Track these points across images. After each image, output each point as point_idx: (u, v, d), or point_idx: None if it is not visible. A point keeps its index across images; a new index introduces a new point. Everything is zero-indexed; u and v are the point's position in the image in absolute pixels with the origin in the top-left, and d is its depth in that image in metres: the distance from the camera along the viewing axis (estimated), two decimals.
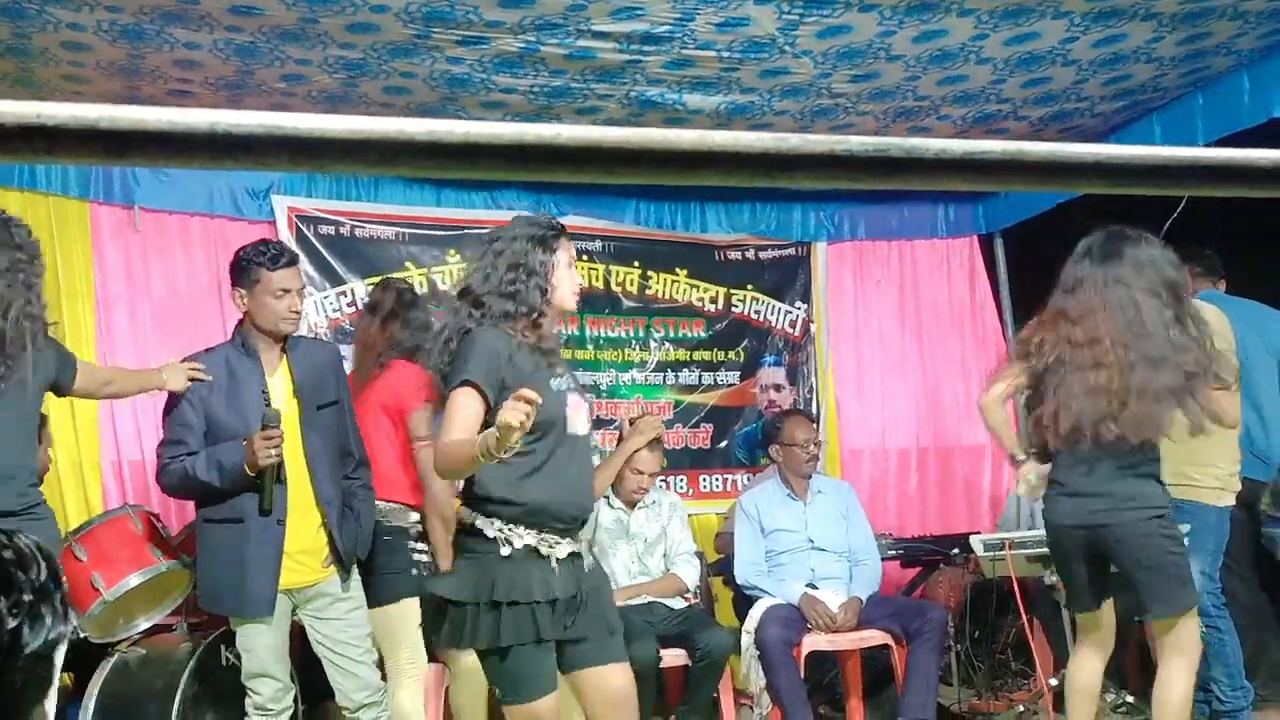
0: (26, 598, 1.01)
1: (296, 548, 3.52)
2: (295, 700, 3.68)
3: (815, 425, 5.80)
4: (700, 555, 5.21)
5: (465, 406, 2.90)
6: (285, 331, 3.57)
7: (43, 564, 1.05)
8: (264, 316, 3.55)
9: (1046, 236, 5.99)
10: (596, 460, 3.18)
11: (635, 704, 3.11)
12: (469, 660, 4.24)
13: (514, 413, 2.59)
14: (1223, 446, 4.37)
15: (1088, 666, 3.81)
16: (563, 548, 2.96)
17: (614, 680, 3.06)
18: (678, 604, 4.82)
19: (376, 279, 5.65)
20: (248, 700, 3.56)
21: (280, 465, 3.44)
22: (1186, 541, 3.95)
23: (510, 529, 2.91)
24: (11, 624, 0.99)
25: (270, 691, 3.52)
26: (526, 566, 2.90)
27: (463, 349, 2.96)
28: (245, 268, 3.55)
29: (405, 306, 4.19)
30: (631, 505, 4.85)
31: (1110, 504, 3.56)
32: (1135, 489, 3.55)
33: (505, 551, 2.89)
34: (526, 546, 2.90)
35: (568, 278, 3.08)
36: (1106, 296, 3.56)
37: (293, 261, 3.58)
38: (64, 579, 1.08)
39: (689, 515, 5.17)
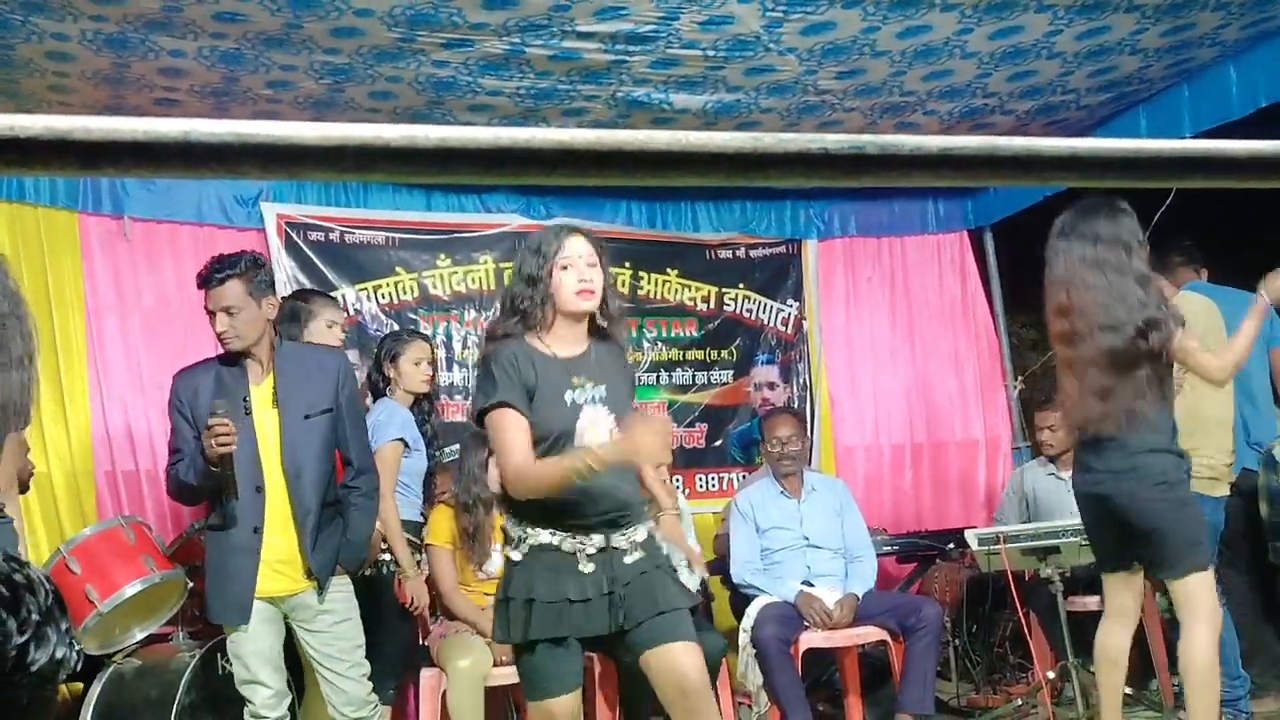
0: (34, 618, 1.04)
1: (276, 556, 3.50)
2: (292, 707, 3.66)
3: (805, 422, 5.80)
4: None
5: (511, 427, 2.92)
6: (227, 349, 3.52)
7: (48, 591, 1.08)
8: None
9: (1036, 230, 5.97)
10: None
11: (704, 684, 2.94)
12: (464, 664, 4.25)
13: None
14: (1216, 436, 4.39)
15: (1113, 636, 3.82)
16: (593, 543, 2.92)
17: (673, 658, 2.91)
18: None
19: (368, 284, 5.67)
20: (246, 709, 3.55)
21: (231, 458, 3.39)
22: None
23: (531, 530, 2.94)
24: (19, 640, 1.02)
25: (262, 699, 3.50)
26: (548, 565, 2.92)
27: (481, 373, 3.03)
28: None
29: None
30: None
31: (1109, 477, 3.65)
32: (1135, 462, 3.60)
33: (521, 551, 2.95)
34: (548, 545, 2.92)
35: (567, 279, 2.98)
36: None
37: (222, 279, 3.45)
38: (67, 607, 1.11)
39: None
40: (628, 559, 2.97)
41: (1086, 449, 3.75)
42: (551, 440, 2.93)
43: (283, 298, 4.34)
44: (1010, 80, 4.83)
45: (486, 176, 0.74)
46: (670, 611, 2.96)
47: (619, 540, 2.96)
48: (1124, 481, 3.61)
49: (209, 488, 3.48)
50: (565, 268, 2.98)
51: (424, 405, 4.66)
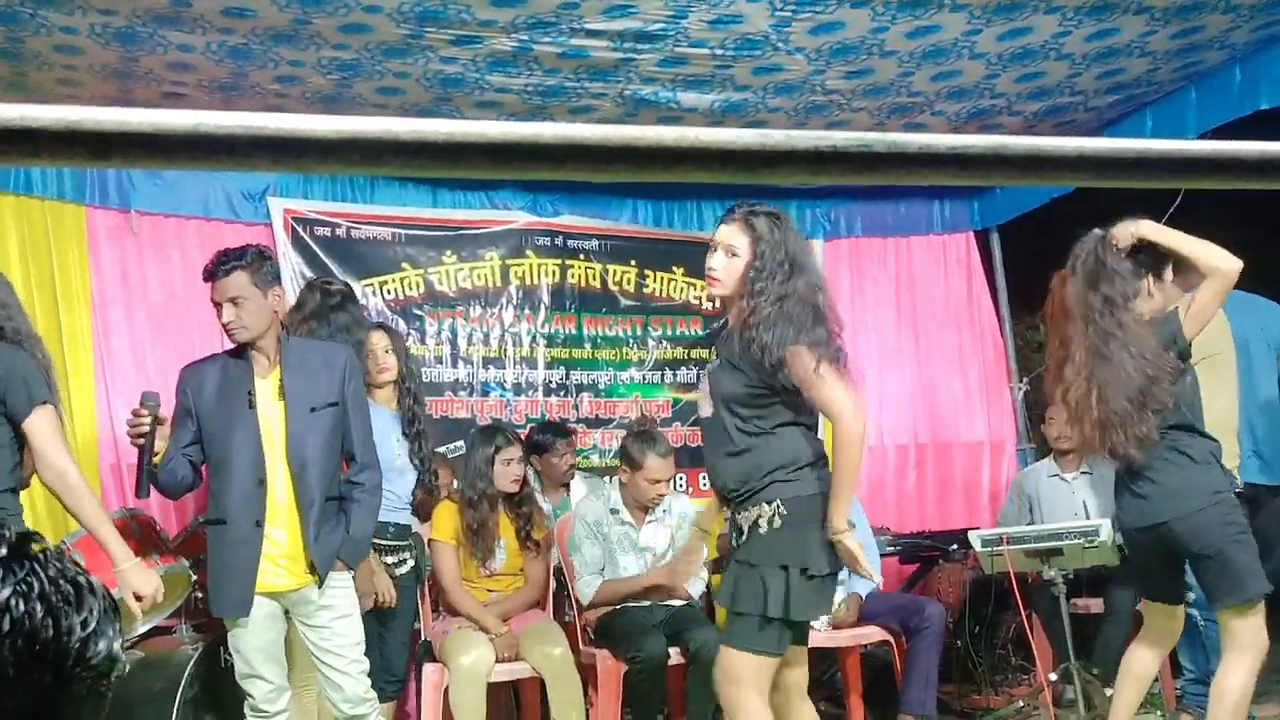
0: (96, 615, 1.11)
1: (279, 551, 3.49)
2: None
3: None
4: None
5: None
6: (233, 340, 3.53)
7: (105, 593, 1.15)
8: None
9: (1043, 231, 5.98)
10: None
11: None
12: (467, 660, 4.25)
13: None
14: (1221, 439, 4.36)
15: (1145, 655, 3.79)
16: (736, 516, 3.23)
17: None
18: (675, 602, 4.79)
19: (374, 280, 5.67)
20: (246, 703, 3.55)
21: (147, 449, 3.42)
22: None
23: None
24: (81, 634, 1.07)
25: (262, 693, 3.49)
26: None
27: None
28: None
29: (330, 309, 4.18)
30: (645, 512, 4.77)
31: (1164, 499, 3.54)
32: (1186, 478, 3.52)
33: None
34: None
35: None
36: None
37: (228, 270, 3.45)
38: (119, 609, 1.17)
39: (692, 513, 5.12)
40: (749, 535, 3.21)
41: (1130, 478, 3.64)
42: None
43: (323, 290, 4.35)
44: (1019, 81, 4.82)
45: (494, 171, 0.74)
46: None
47: (749, 515, 3.21)
48: (1178, 504, 3.50)
49: (173, 481, 3.55)
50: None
51: (399, 396, 4.47)
